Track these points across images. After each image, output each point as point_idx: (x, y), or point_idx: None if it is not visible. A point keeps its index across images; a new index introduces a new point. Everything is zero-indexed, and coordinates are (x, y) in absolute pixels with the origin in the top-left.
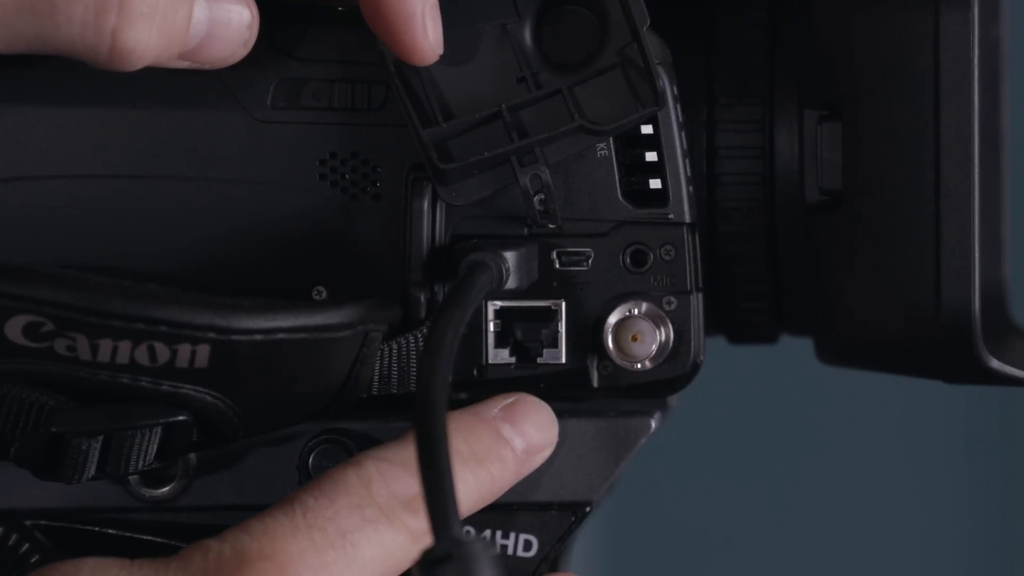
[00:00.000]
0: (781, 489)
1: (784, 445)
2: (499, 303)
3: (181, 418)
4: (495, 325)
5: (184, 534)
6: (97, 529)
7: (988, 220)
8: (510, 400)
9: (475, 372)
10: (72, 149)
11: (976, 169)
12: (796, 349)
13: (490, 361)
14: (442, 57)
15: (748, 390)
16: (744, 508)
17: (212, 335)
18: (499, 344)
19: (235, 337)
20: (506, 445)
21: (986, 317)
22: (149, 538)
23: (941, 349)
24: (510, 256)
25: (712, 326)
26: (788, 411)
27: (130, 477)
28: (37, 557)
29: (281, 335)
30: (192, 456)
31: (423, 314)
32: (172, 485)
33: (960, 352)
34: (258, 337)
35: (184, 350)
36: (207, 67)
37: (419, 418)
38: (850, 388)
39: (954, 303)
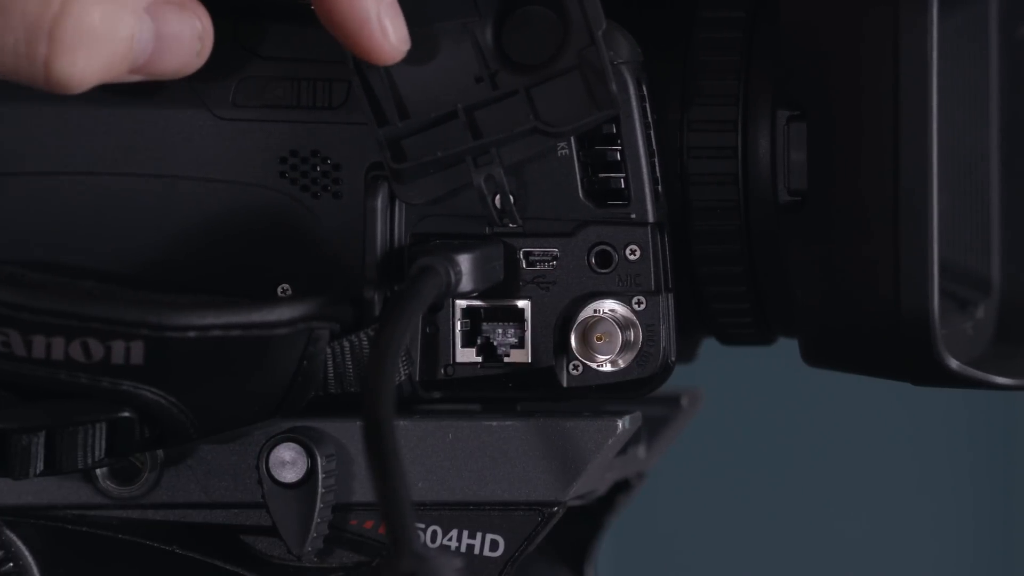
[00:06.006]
0: (780, 490)
1: (783, 446)
2: (465, 302)
3: (125, 415)
4: (463, 324)
5: (152, 531)
6: (69, 527)
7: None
8: None
9: (444, 371)
10: (34, 146)
11: (934, 170)
12: (795, 349)
13: (458, 360)
14: None
15: (749, 391)
16: (744, 509)
17: (145, 331)
18: (466, 343)
19: (168, 334)
20: None
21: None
22: (115, 536)
23: (903, 351)
24: (463, 259)
25: (699, 327)
26: (787, 412)
27: (97, 472)
28: (1, 553)
29: (216, 332)
30: (160, 452)
31: (377, 313)
32: (139, 483)
33: (921, 354)
34: (192, 334)
35: (118, 347)
36: (162, 78)
37: (369, 439)
38: (850, 388)
39: (913, 305)
